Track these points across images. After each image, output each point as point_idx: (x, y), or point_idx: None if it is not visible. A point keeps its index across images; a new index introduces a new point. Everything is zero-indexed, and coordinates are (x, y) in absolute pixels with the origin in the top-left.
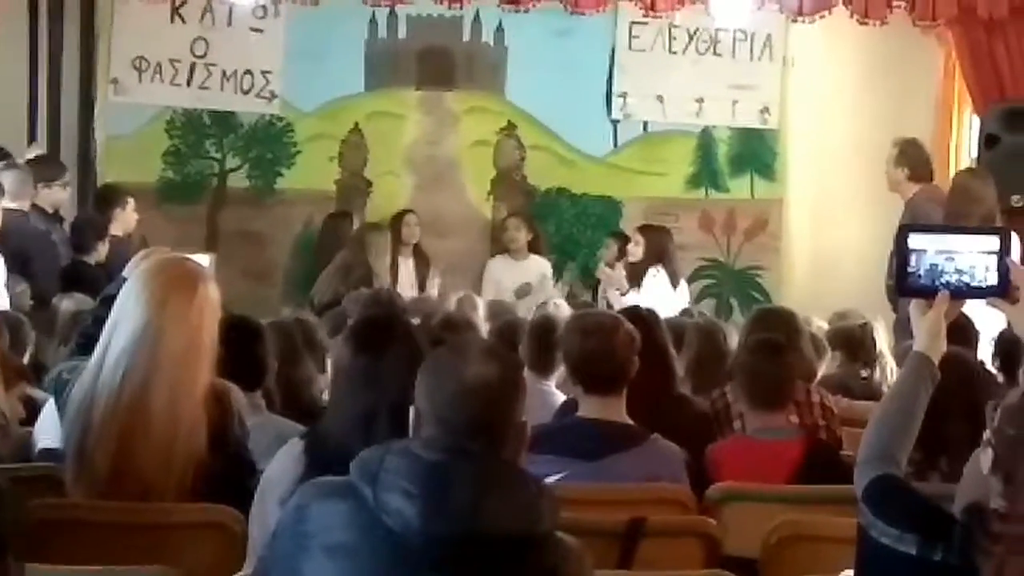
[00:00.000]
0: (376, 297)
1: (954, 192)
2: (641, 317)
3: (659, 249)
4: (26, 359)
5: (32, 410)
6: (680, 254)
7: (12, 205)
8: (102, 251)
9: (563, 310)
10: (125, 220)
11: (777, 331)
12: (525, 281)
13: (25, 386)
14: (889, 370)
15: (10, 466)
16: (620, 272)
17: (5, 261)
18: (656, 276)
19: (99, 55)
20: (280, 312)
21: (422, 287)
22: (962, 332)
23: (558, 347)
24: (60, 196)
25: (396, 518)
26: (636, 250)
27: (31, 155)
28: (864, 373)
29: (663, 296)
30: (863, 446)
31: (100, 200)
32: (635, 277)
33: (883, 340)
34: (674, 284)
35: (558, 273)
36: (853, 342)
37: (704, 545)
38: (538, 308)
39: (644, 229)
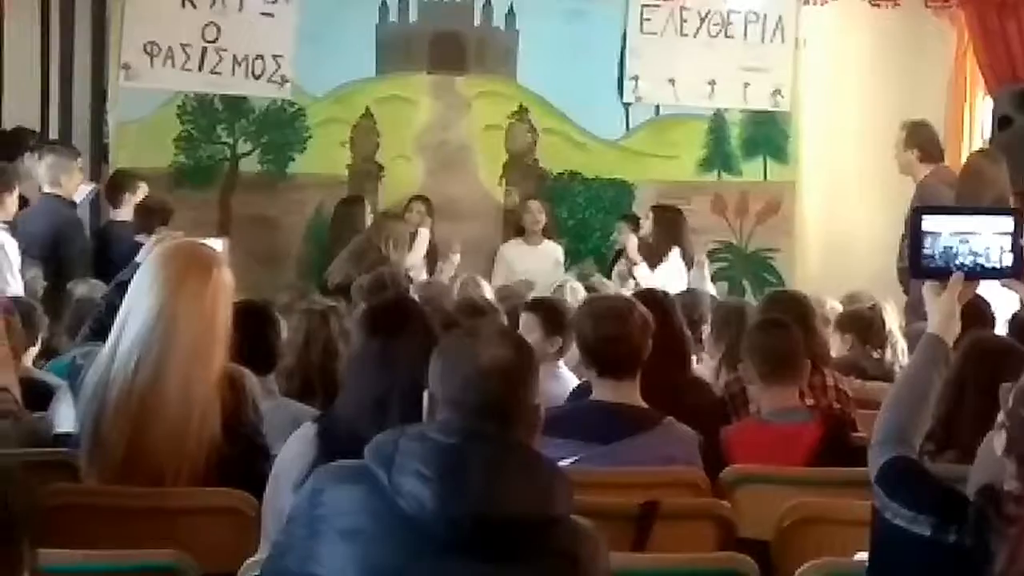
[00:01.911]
0: (379, 281)
1: (966, 174)
2: (656, 301)
3: (674, 229)
4: (38, 345)
5: (41, 395)
6: (693, 237)
7: (48, 190)
8: None
9: (579, 293)
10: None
11: (789, 314)
12: (536, 275)
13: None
14: (900, 351)
15: (25, 451)
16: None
17: (35, 245)
18: (671, 259)
19: (111, 41)
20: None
21: (431, 272)
22: (979, 313)
23: (565, 329)
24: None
25: (411, 501)
26: (646, 223)
27: None
28: (876, 354)
29: (679, 277)
30: (877, 428)
31: (110, 186)
32: (650, 255)
33: (894, 321)
34: (688, 266)
35: (571, 257)
36: (863, 324)
37: (718, 528)
38: (555, 291)
39: (656, 208)
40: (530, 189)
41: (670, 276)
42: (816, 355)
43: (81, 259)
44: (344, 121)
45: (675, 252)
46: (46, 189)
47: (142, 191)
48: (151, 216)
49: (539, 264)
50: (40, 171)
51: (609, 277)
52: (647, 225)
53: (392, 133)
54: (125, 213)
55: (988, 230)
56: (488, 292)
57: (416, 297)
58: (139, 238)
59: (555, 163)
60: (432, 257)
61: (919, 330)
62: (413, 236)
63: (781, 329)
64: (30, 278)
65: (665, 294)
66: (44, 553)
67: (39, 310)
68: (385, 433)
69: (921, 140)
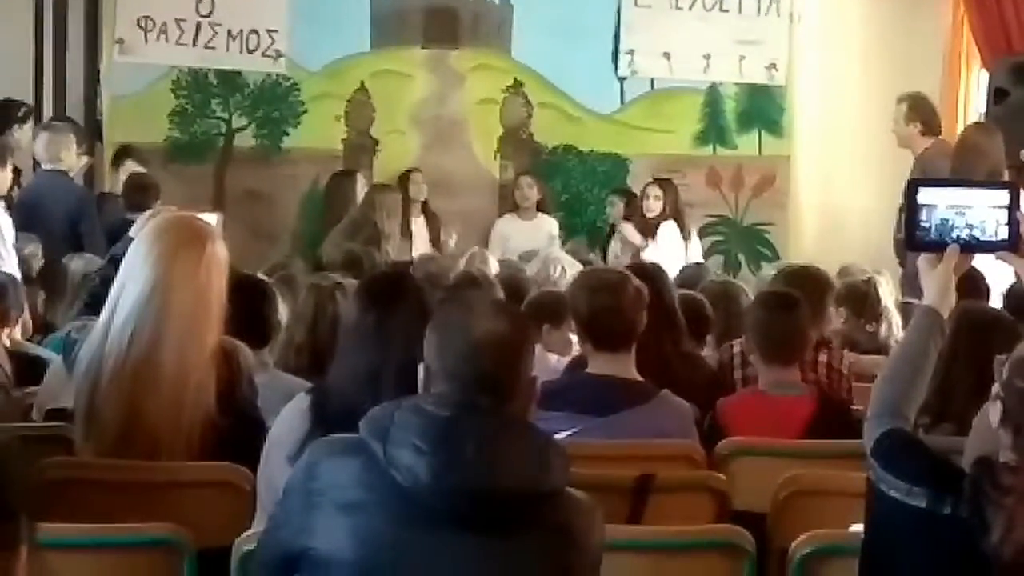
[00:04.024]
0: (354, 257)
1: (961, 147)
2: (648, 273)
3: (675, 202)
4: (20, 325)
5: (35, 369)
6: (688, 211)
7: (48, 166)
8: None
9: (567, 268)
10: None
11: (806, 292)
12: (531, 249)
13: None
14: (895, 325)
15: (20, 424)
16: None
17: (48, 223)
18: (669, 229)
19: (104, 15)
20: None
21: (435, 244)
22: (974, 286)
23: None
24: (77, 161)
25: (406, 474)
26: (656, 204)
27: None
28: (870, 328)
29: (677, 249)
30: (873, 401)
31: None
32: (649, 231)
33: (888, 295)
34: (686, 237)
35: (565, 231)
36: (858, 297)
37: (713, 500)
38: (542, 267)
39: (662, 183)
40: (525, 163)
41: (667, 251)
42: (820, 334)
43: (98, 231)
44: (339, 96)
45: (671, 224)
46: (46, 166)
47: (126, 166)
48: (145, 193)
49: (533, 238)
50: (38, 149)
51: (604, 252)
52: (657, 207)
53: (387, 107)
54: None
55: (984, 203)
56: (494, 266)
57: (418, 271)
58: (133, 216)
59: (550, 137)
60: (433, 231)
61: (914, 304)
62: (413, 207)
63: (786, 310)
64: (28, 253)
65: (656, 266)
66: (39, 527)
67: (20, 286)
68: (381, 406)
69: (924, 114)
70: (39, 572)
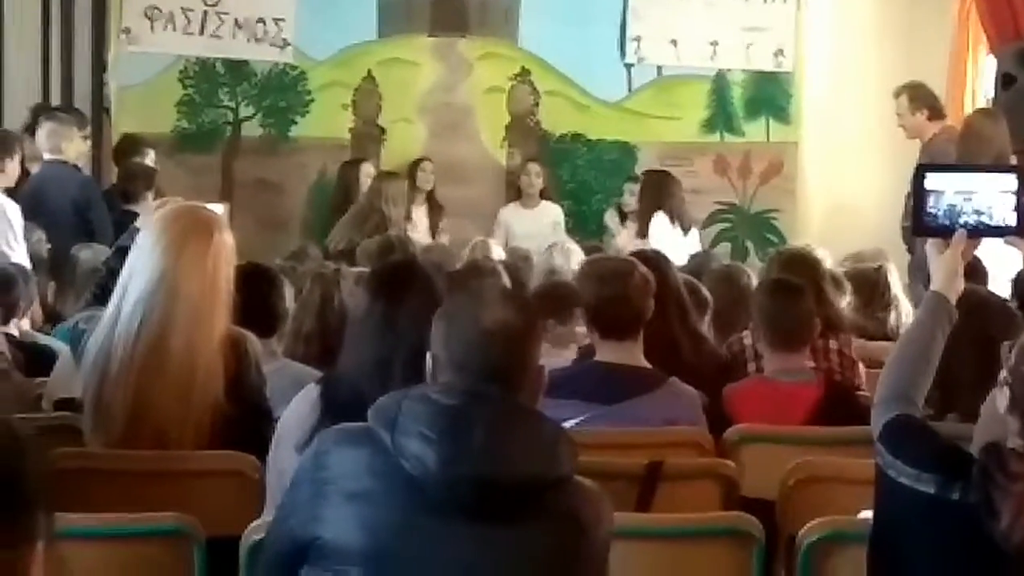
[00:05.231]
0: (388, 243)
1: (965, 133)
2: (650, 260)
3: (658, 193)
4: (28, 315)
5: (44, 359)
6: (695, 198)
7: (49, 157)
8: (150, 202)
9: (572, 255)
10: None
11: (797, 275)
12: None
13: None
14: (904, 313)
15: (28, 415)
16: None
17: (55, 212)
18: (657, 221)
19: (111, 5)
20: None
21: (434, 235)
22: (971, 270)
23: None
24: (81, 147)
25: (414, 463)
26: (631, 200)
27: None
28: (879, 315)
29: (666, 240)
30: (880, 386)
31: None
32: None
33: (896, 283)
34: (684, 228)
35: (572, 220)
36: (868, 284)
37: (722, 487)
38: (545, 252)
39: (644, 173)
40: (532, 151)
41: (656, 241)
42: (826, 318)
43: (107, 218)
44: (346, 84)
45: (659, 216)
46: (47, 156)
47: (150, 157)
48: (134, 181)
49: (537, 226)
50: (40, 139)
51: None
52: (633, 200)
53: (394, 96)
54: None
55: (992, 188)
56: (498, 255)
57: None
58: (128, 206)
59: (557, 125)
60: (436, 219)
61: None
62: (418, 195)
63: (792, 296)
64: (35, 240)
65: (657, 252)
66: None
67: (31, 278)
68: (388, 395)
69: (927, 100)
70: (56, 565)
